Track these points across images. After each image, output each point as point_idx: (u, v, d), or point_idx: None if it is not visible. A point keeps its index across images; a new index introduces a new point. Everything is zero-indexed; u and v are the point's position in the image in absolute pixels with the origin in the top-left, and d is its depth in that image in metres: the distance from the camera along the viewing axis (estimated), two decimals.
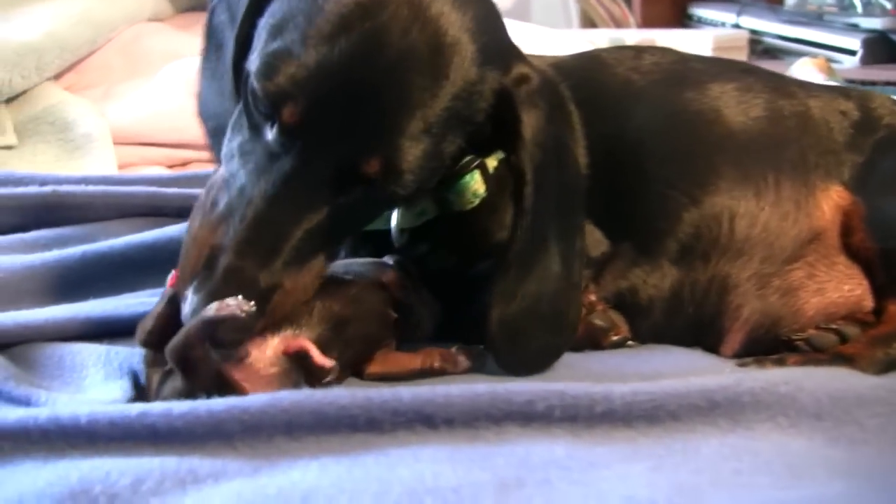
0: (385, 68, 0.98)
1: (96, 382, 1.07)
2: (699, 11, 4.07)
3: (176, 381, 0.97)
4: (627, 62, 1.39)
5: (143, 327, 1.03)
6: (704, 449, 0.92)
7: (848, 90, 1.50)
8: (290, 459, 0.86)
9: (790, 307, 1.29)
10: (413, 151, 1.00)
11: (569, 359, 1.18)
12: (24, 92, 2.06)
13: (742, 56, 3.41)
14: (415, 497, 0.78)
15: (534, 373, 1.14)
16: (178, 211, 1.55)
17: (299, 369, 1.00)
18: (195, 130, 2.00)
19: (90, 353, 1.12)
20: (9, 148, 1.93)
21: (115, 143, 1.97)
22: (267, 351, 0.99)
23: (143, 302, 1.23)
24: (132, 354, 1.09)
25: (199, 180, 1.68)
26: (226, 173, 1.04)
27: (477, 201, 1.18)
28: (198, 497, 0.80)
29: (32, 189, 1.53)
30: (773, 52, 3.69)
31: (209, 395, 0.93)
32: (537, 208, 1.10)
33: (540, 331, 1.14)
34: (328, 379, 1.00)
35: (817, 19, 3.59)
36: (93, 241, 1.41)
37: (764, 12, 3.78)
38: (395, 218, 1.19)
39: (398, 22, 0.99)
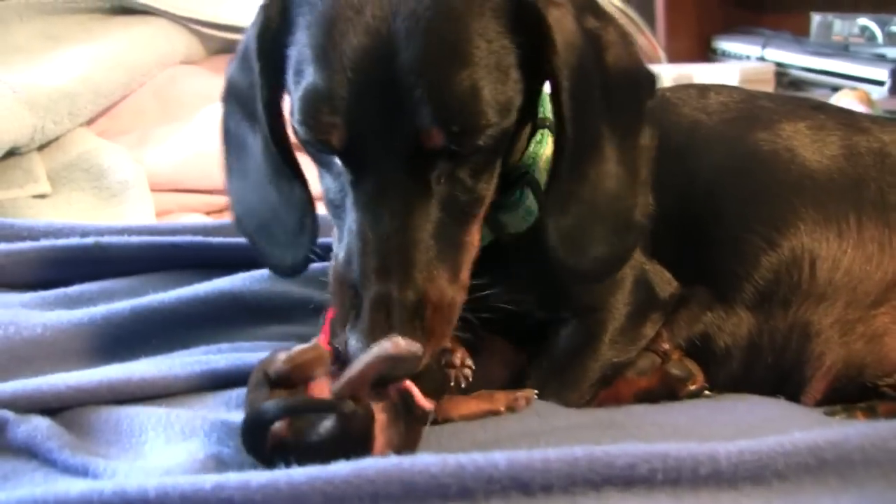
0: (390, 43, 0.96)
1: (157, 447, 1.01)
2: (724, 45, 4.05)
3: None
4: (693, 101, 1.35)
5: (289, 359, 0.98)
6: None
7: None
8: None
9: (876, 353, 1.23)
10: (459, 99, 0.96)
11: (653, 413, 1.12)
12: (57, 138, 2.01)
13: (769, 89, 3.37)
14: None
15: (601, 279, 1.15)
16: (225, 262, 1.50)
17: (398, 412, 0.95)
18: None
19: (148, 416, 1.05)
20: (42, 196, 1.88)
21: (152, 190, 1.93)
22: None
23: (198, 360, 1.17)
24: (194, 417, 1.03)
25: None
26: (335, 226, 1.05)
27: (531, 219, 1.15)
28: None
29: (74, 241, 1.48)
30: (799, 84, 3.65)
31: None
32: (580, 112, 1.05)
33: (603, 235, 1.10)
34: (429, 420, 0.97)
35: (843, 50, 3.56)
36: (139, 294, 1.35)
37: (789, 44, 3.76)
38: None
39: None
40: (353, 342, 0.96)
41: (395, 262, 0.97)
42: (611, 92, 1.08)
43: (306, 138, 0.99)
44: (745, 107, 1.35)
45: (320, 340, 1.00)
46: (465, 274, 1.03)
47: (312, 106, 0.97)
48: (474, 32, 0.98)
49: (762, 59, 3.77)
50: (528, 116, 1.11)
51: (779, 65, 3.66)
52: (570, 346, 1.19)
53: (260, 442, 0.93)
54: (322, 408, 0.93)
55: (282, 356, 0.98)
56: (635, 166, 1.10)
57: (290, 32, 1.04)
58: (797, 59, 3.66)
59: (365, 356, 0.92)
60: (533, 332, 1.20)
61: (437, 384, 1.05)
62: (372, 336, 0.95)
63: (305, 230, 1.14)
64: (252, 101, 1.12)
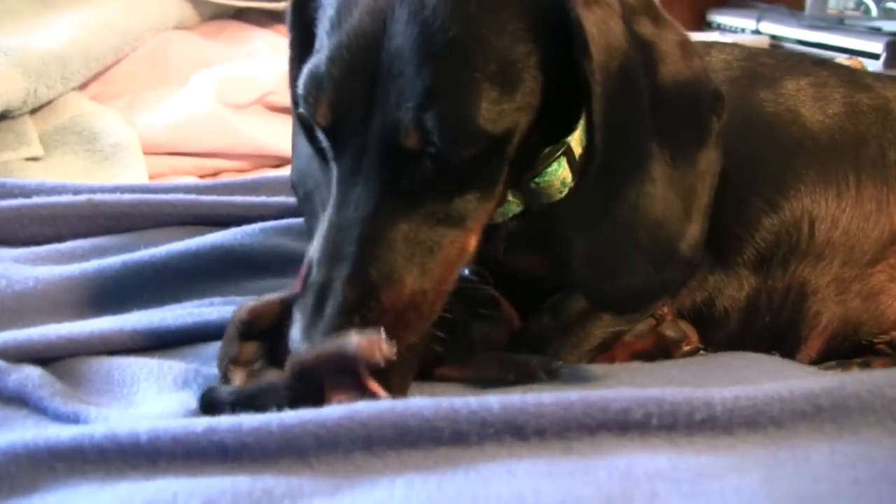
0: (388, 26, 0.92)
1: (149, 396, 1.00)
2: (718, 18, 4.02)
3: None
4: None
5: (251, 309, 0.97)
6: (815, 456, 0.85)
7: None
8: (370, 477, 0.79)
9: (872, 311, 1.23)
10: (446, 100, 0.90)
11: (648, 367, 1.11)
12: (50, 102, 2.00)
13: None
14: None
15: (629, 312, 1.08)
16: (217, 219, 1.49)
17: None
18: (225, 139, 2.00)
19: (140, 366, 1.05)
20: (35, 159, 1.87)
21: (144, 153, 1.91)
22: None
23: (190, 313, 1.16)
24: (187, 369, 1.03)
25: (237, 188, 1.63)
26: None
27: (566, 191, 1.10)
28: None
29: (66, 198, 1.46)
30: None
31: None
32: (617, 124, 0.96)
33: (638, 264, 1.01)
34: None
35: (838, 23, 3.53)
36: (131, 250, 1.34)
37: (784, 17, 3.72)
38: None
39: None
40: (295, 322, 0.93)
41: (347, 252, 0.92)
42: (663, 107, 1.00)
43: (304, 112, 0.96)
44: (748, 65, 1.32)
45: (294, 289, 0.98)
46: (445, 278, 0.97)
47: (308, 81, 0.94)
48: (484, 29, 0.92)
49: (757, 32, 3.74)
50: (564, 128, 1.06)
51: (773, 38, 3.63)
52: (575, 310, 1.16)
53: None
54: (272, 397, 0.91)
55: (248, 305, 0.97)
56: (690, 192, 1.02)
57: (319, 3, 1.01)
58: (792, 33, 3.63)
59: (328, 344, 0.89)
60: (540, 298, 1.18)
61: (404, 370, 1.01)
62: (306, 318, 0.92)
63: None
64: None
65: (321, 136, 0.98)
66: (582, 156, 1.02)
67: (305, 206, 1.20)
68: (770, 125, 1.26)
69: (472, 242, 0.99)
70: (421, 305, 0.95)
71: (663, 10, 1.03)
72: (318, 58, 0.94)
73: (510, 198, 1.09)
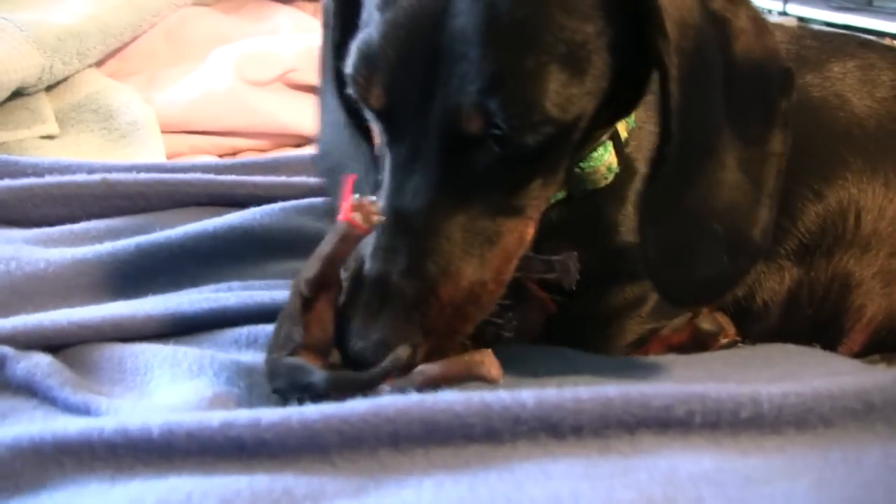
0: (450, 3, 0.85)
1: (163, 385, 0.96)
2: None
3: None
4: None
5: (307, 278, 0.90)
6: (867, 459, 0.80)
7: None
8: (397, 477, 0.75)
9: None
10: (513, 85, 0.84)
11: (685, 360, 1.06)
12: (66, 79, 1.94)
13: None
14: None
15: (700, 303, 1.05)
16: (235, 199, 1.44)
17: None
18: (245, 117, 1.95)
19: (154, 353, 1.00)
20: (50, 137, 1.82)
21: (162, 132, 1.86)
22: None
23: (207, 297, 1.12)
24: (202, 355, 0.98)
25: (256, 168, 1.58)
26: None
27: (611, 177, 1.05)
28: None
29: (80, 177, 1.41)
30: None
31: None
32: (692, 108, 0.91)
33: (711, 253, 0.96)
34: None
35: (867, 5, 3.48)
36: (147, 232, 1.29)
37: None
38: None
39: None
40: (351, 313, 0.89)
41: (404, 245, 0.88)
42: (736, 87, 0.95)
43: (353, 93, 0.91)
44: (792, 48, 1.27)
45: (342, 210, 0.90)
46: (502, 269, 0.92)
47: (360, 61, 0.88)
48: (555, 7, 0.85)
49: (784, 13, 3.69)
50: (625, 110, 1.02)
51: (801, 20, 3.58)
52: (616, 304, 1.12)
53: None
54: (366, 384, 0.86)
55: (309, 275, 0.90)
56: (761, 176, 0.97)
57: None
58: (820, 14, 3.58)
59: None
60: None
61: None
62: (362, 314, 0.87)
63: (367, 187, 1.03)
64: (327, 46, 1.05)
65: (373, 119, 0.93)
66: (657, 145, 0.95)
67: (330, 182, 1.15)
68: (816, 111, 1.21)
69: (531, 230, 0.94)
70: (480, 297, 0.91)
71: None
72: (369, 35, 0.88)
73: None
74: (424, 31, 0.86)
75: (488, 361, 0.88)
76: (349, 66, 0.90)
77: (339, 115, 1.07)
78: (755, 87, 0.97)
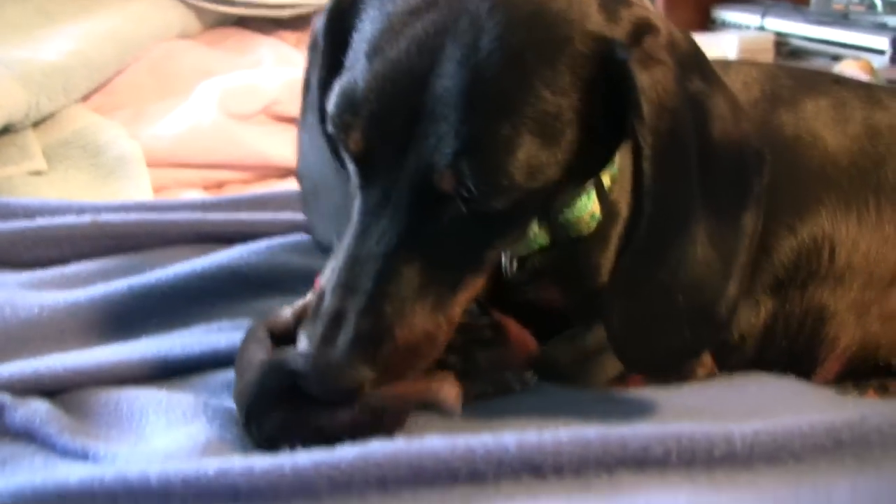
0: (437, 64, 0.88)
1: (158, 430, 0.98)
2: (723, 14, 4.00)
3: None
4: None
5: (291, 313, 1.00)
6: (836, 493, 0.84)
7: None
8: None
9: (891, 334, 1.22)
10: (486, 151, 0.87)
11: (663, 393, 1.09)
12: (52, 115, 1.97)
13: (769, 58, 3.33)
14: None
15: (661, 372, 1.07)
16: (223, 237, 1.47)
17: None
18: (230, 151, 1.98)
19: (148, 399, 1.03)
20: (39, 174, 1.84)
21: (149, 166, 1.88)
22: None
23: (199, 340, 1.15)
24: (196, 401, 1.01)
25: (243, 204, 1.61)
26: None
27: (594, 225, 1.09)
28: None
29: (70, 219, 1.44)
30: (799, 54, 3.60)
31: None
32: (665, 185, 0.93)
33: (675, 327, 0.98)
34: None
35: (843, 19, 3.52)
36: (137, 272, 1.32)
37: (789, 13, 3.71)
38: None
39: (448, 12, 0.89)
40: (302, 341, 0.93)
41: (363, 285, 0.91)
42: (710, 167, 0.96)
43: (332, 132, 0.94)
44: (767, 86, 1.30)
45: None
46: (454, 311, 0.96)
47: (343, 105, 0.91)
48: (537, 80, 0.89)
49: (762, 28, 3.72)
50: (591, 173, 1.04)
51: (778, 34, 3.62)
52: (597, 340, 1.12)
53: (267, 401, 0.93)
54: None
55: (286, 311, 0.96)
56: (732, 253, 0.98)
57: (358, 17, 0.97)
58: (797, 28, 3.61)
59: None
60: (559, 327, 1.15)
61: None
62: (316, 347, 0.91)
63: (347, 211, 1.04)
64: (313, 73, 1.07)
65: (348, 159, 0.95)
66: (628, 218, 0.99)
67: (310, 205, 1.18)
68: (790, 149, 1.23)
69: (485, 278, 0.98)
70: (434, 338, 0.95)
71: (711, 65, 1.01)
72: (354, 80, 0.91)
73: (537, 230, 1.08)
74: (409, 87, 0.89)
75: (447, 388, 0.93)
76: (331, 106, 0.93)
77: (319, 139, 1.09)
78: (730, 168, 0.99)
